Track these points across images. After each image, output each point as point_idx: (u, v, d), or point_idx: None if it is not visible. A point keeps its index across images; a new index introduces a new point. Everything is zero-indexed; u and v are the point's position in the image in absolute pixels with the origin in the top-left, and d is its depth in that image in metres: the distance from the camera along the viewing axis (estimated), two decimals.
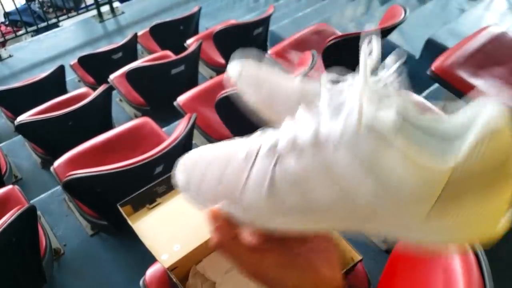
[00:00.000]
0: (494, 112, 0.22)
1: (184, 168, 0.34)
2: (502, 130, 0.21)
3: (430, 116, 0.25)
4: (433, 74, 1.44)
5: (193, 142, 1.54)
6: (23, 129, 1.64)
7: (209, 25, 3.13)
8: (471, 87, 1.40)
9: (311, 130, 0.25)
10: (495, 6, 2.29)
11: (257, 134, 0.31)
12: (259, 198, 0.28)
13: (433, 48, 1.93)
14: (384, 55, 0.29)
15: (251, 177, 0.29)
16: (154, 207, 0.79)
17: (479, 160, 0.21)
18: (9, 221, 0.93)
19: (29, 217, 1.02)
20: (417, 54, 2.06)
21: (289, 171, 0.27)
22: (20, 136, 1.97)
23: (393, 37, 2.07)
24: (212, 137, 1.59)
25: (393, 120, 0.22)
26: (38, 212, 1.35)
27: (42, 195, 1.58)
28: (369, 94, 0.23)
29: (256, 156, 0.29)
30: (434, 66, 1.46)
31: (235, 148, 0.31)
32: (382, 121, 0.22)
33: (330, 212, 0.27)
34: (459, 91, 1.42)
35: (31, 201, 1.42)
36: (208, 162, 0.33)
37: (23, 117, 1.64)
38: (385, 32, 1.72)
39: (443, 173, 0.22)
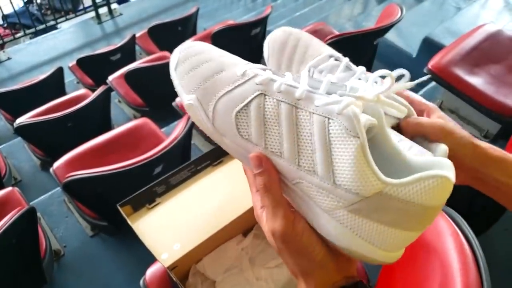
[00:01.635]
0: (450, 169, 0.27)
1: (182, 50, 0.36)
2: (448, 183, 0.26)
3: (398, 144, 0.30)
4: (430, 72, 1.44)
5: (192, 142, 1.54)
6: (23, 131, 1.64)
7: (207, 26, 3.13)
8: (467, 85, 1.40)
9: (303, 90, 0.29)
10: (491, 4, 2.30)
11: (260, 66, 0.34)
12: (230, 110, 0.32)
13: (429, 47, 1.94)
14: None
15: (235, 91, 0.32)
16: (153, 207, 0.80)
17: (413, 195, 0.26)
18: (9, 222, 0.93)
19: (29, 219, 1.03)
20: (414, 52, 2.07)
21: (266, 108, 0.30)
22: (19, 138, 1.98)
23: (390, 36, 2.07)
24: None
25: (365, 122, 0.27)
26: (38, 214, 1.35)
27: (42, 197, 1.58)
28: (365, 98, 0.28)
29: (249, 79, 0.32)
30: (431, 64, 1.46)
31: (236, 62, 0.34)
32: (359, 118, 0.27)
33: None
34: (456, 89, 1.42)
35: (31, 203, 1.43)
36: (209, 58, 0.35)
37: (22, 119, 1.64)
38: (382, 31, 1.73)
39: (378, 185, 0.26)
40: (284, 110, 0.29)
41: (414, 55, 2.06)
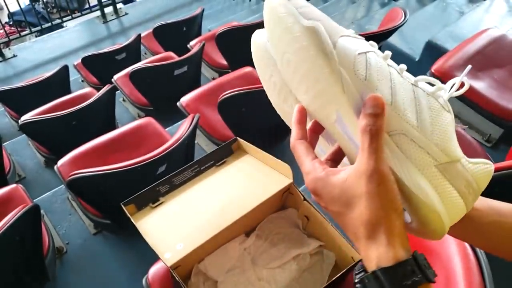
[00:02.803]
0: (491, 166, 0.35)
1: None
2: (491, 172, 0.34)
3: None
4: (433, 76, 1.45)
5: (196, 142, 1.55)
6: (27, 128, 1.65)
7: (211, 27, 3.14)
8: (470, 89, 1.40)
9: (401, 66, 0.37)
10: (494, 8, 2.30)
11: None
12: (352, 50, 0.35)
13: (433, 51, 1.94)
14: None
15: (354, 39, 0.36)
16: (157, 206, 0.81)
17: (476, 172, 0.33)
18: (12, 219, 0.94)
19: (32, 216, 1.03)
20: (417, 56, 2.07)
21: (380, 64, 0.35)
22: (24, 136, 1.99)
23: (394, 39, 2.08)
24: (214, 138, 1.61)
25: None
26: (41, 211, 1.36)
27: (46, 194, 1.59)
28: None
29: (362, 39, 0.36)
30: (434, 68, 1.47)
31: None
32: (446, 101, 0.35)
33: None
34: None
35: (35, 200, 1.44)
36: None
37: (27, 117, 1.65)
38: (385, 35, 1.73)
39: (460, 153, 0.33)
40: (393, 72, 0.35)
41: (417, 59, 2.06)
